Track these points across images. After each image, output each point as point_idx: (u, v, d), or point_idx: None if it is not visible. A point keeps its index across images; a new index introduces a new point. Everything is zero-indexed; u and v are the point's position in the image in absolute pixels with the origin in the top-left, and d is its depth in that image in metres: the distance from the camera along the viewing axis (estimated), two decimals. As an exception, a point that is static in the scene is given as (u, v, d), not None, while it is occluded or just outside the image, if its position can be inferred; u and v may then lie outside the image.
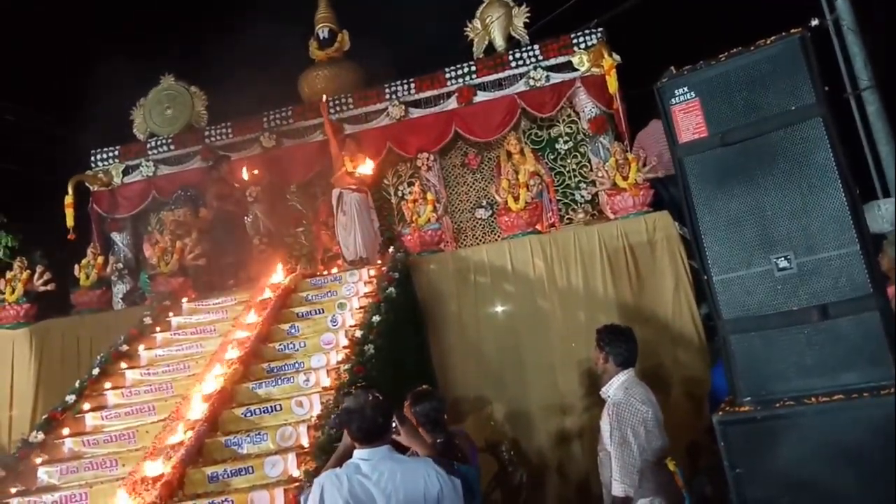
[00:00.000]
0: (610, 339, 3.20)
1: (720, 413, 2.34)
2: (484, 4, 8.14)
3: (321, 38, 8.98)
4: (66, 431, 4.61)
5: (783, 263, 2.36)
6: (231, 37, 9.15)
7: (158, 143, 8.64)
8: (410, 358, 5.44)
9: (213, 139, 8.44)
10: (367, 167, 7.03)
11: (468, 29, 8.16)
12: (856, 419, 2.13)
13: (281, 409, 4.33)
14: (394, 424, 2.46)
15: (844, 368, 2.24)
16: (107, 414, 4.78)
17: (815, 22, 5.87)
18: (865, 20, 5.93)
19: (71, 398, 4.92)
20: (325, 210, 8.15)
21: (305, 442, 3.96)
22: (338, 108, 8.09)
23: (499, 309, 5.83)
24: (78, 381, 5.12)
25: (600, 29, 7.56)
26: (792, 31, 2.56)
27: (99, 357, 5.39)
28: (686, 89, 2.65)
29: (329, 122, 7.44)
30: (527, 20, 7.97)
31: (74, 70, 10.37)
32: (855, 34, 5.59)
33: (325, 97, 7.59)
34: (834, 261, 2.30)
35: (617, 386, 3.12)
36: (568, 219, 7.57)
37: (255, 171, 7.75)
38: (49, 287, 6.75)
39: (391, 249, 6.13)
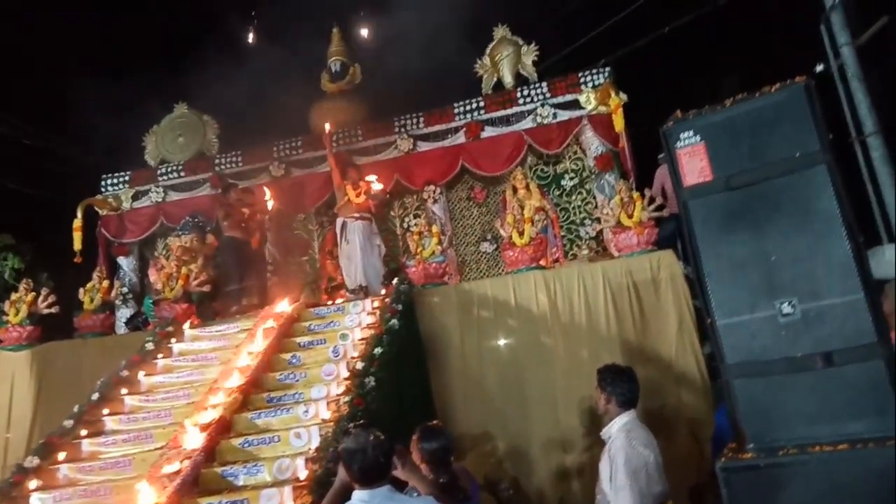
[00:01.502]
0: (612, 380, 3.16)
1: (723, 459, 2.31)
2: (494, 42, 8.32)
3: (333, 71, 9.17)
4: (61, 457, 4.57)
5: (787, 309, 2.35)
6: (244, 67, 9.34)
7: (169, 169, 8.75)
8: (411, 391, 5.40)
9: (222, 167, 8.55)
10: (377, 185, 7.07)
11: (478, 65, 8.32)
12: (861, 469, 2.10)
13: (279, 440, 4.28)
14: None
15: (849, 417, 2.22)
16: (104, 440, 4.73)
17: (819, 68, 5.94)
18: (870, 66, 6.00)
19: (69, 423, 4.88)
20: (330, 239, 8.21)
21: (302, 475, 3.90)
22: (347, 140, 8.20)
23: (501, 343, 5.80)
24: (77, 406, 5.09)
25: (607, 68, 7.69)
26: (797, 78, 2.60)
27: (99, 382, 5.37)
28: (691, 133, 2.68)
29: (331, 152, 7.52)
30: (535, 58, 8.13)
31: (87, 94, 10.57)
32: (859, 80, 5.65)
33: (328, 127, 7.67)
34: (838, 308, 2.29)
35: (618, 427, 3.08)
36: (572, 255, 7.58)
37: (268, 197, 7.79)
38: (53, 310, 6.76)
39: (395, 281, 6.13)
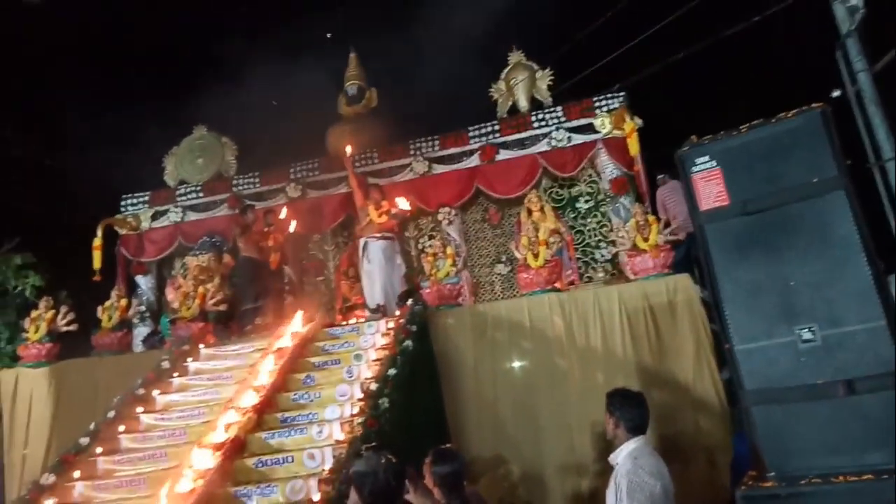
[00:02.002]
0: (620, 405, 3.03)
1: (743, 488, 2.28)
2: (509, 66, 8.42)
3: (350, 94, 9.30)
4: (77, 475, 4.58)
5: (807, 335, 2.34)
6: (263, 90, 9.52)
7: (188, 190, 8.88)
8: (425, 413, 5.37)
9: (240, 188, 8.67)
10: (403, 203, 7.11)
11: (493, 89, 8.40)
12: (884, 502, 2.06)
13: (293, 461, 4.27)
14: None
15: (872, 447, 2.19)
16: (119, 458, 4.75)
17: (836, 93, 5.95)
18: (888, 92, 5.99)
19: (85, 441, 4.90)
20: (345, 260, 8.25)
21: (315, 496, 3.87)
22: (363, 163, 8.28)
23: (515, 366, 5.77)
24: (92, 424, 5.12)
25: (622, 93, 7.73)
26: (813, 104, 2.61)
27: (115, 400, 5.40)
28: (707, 158, 2.70)
29: (353, 174, 7.59)
30: (550, 83, 8.20)
31: (109, 116, 10.79)
32: (877, 106, 5.64)
33: (349, 149, 7.73)
34: (859, 335, 2.27)
35: (626, 454, 2.95)
36: (587, 277, 7.56)
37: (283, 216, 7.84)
38: (72, 327, 6.83)
39: (410, 302, 6.14)
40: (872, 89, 5.73)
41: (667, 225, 5.96)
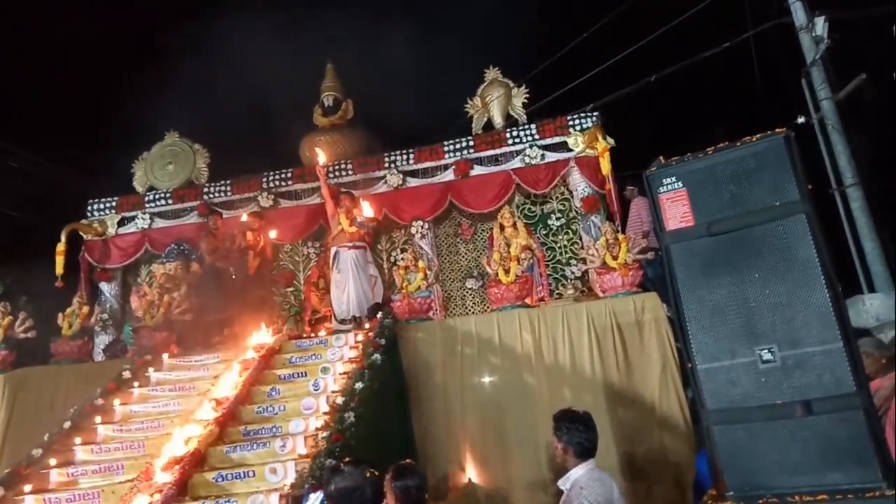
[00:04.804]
0: (567, 429, 2.98)
1: (703, 507, 2.28)
2: (485, 83, 8.49)
3: (326, 105, 9.26)
4: (28, 488, 4.42)
5: (767, 356, 2.36)
6: (236, 98, 9.42)
7: (157, 196, 8.73)
8: (391, 428, 5.31)
9: (211, 196, 8.55)
10: (367, 210, 7.06)
11: (469, 105, 8.46)
12: (840, 522, 2.09)
13: (254, 475, 4.18)
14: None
15: (829, 467, 2.21)
16: (73, 471, 4.60)
17: (801, 120, 6.12)
18: (849, 119, 6.18)
19: (37, 452, 4.75)
20: (316, 272, 8.17)
21: (276, 512, 3.81)
22: (337, 174, 8.23)
23: (484, 381, 5.76)
24: (47, 435, 4.96)
25: (595, 112, 7.83)
26: (777, 129, 2.66)
27: (72, 410, 5.25)
28: (674, 179, 2.73)
29: (325, 183, 7.52)
30: (525, 100, 8.29)
31: (79, 119, 10.54)
32: (839, 133, 5.82)
33: (322, 158, 7.65)
34: (818, 356, 2.30)
35: (573, 480, 2.90)
36: (557, 294, 7.60)
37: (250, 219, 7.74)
38: (30, 334, 6.63)
39: (379, 315, 6.09)
40: (836, 117, 5.92)
41: (645, 235, 6.04)
